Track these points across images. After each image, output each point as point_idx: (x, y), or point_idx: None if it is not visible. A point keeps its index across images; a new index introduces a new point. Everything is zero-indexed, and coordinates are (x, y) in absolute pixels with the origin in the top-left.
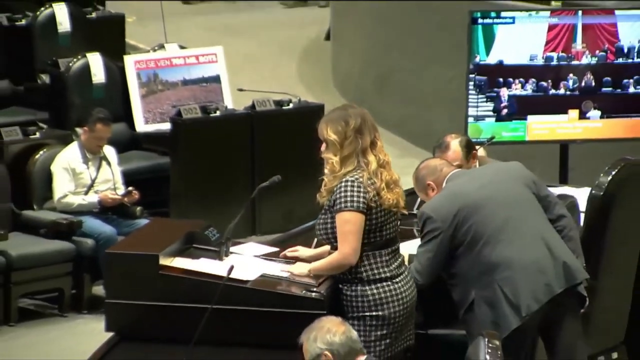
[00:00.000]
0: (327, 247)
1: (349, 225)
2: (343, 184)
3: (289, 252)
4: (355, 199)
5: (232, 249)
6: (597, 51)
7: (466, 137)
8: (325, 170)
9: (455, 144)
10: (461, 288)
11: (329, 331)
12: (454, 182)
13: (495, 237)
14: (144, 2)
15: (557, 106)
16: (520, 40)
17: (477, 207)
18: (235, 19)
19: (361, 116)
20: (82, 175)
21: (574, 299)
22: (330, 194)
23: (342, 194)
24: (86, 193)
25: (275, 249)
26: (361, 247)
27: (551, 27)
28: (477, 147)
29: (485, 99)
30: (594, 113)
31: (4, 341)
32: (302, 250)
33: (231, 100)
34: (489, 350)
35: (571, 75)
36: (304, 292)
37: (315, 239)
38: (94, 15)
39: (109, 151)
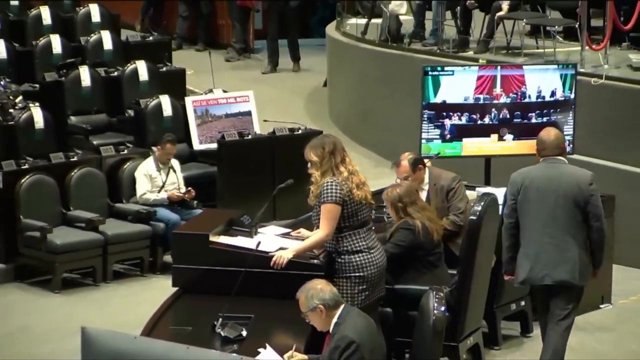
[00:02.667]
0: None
1: (330, 214)
2: (325, 184)
3: (294, 233)
4: (333, 193)
5: (259, 230)
6: (511, 94)
7: (414, 155)
8: (312, 180)
9: (404, 162)
10: None
11: (321, 290)
12: (542, 164)
13: (534, 226)
14: (199, 60)
15: (483, 132)
16: (457, 86)
17: (529, 200)
18: (260, 73)
19: (333, 143)
20: (156, 180)
21: (567, 288)
22: (316, 198)
23: (324, 191)
24: (159, 191)
25: (289, 230)
26: (344, 228)
27: (479, 77)
28: (426, 160)
29: (433, 127)
30: (509, 136)
31: (103, 292)
32: (303, 232)
33: (259, 128)
34: (436, 299)
35: (493, 110)
36: (308, 260)
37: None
38: (164, 69)
39: (175, 163)
